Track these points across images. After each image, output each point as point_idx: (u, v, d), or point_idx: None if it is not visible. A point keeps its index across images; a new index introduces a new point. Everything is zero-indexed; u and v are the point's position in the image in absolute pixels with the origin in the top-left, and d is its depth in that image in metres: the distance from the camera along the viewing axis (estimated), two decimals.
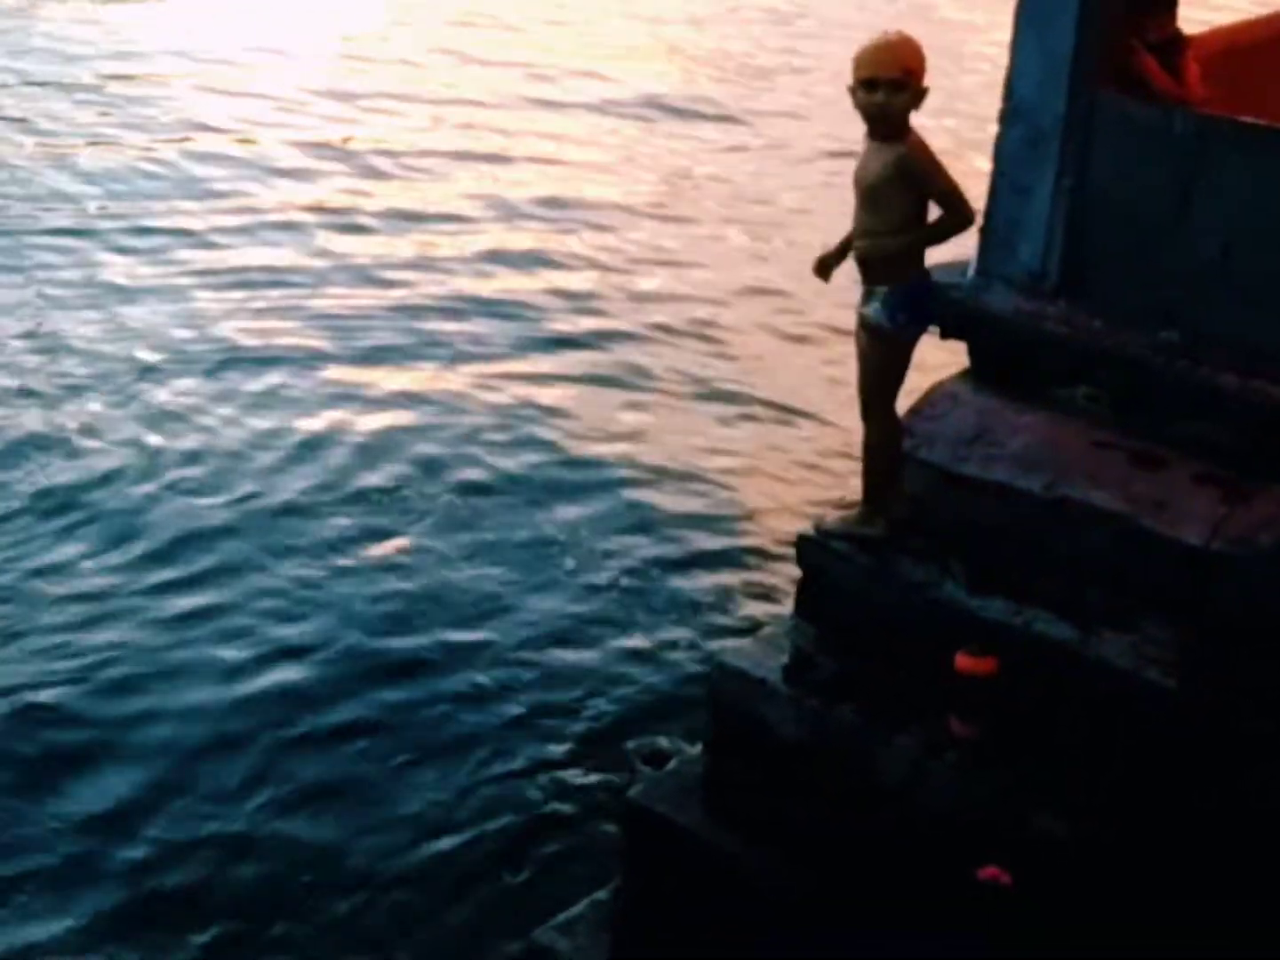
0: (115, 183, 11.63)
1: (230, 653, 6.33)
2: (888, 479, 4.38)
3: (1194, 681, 3.88)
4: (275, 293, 9.93)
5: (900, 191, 4.07)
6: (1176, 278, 4.36)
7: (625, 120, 14.48)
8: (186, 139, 12.78)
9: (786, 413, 8.88)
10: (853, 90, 4.08)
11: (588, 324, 9.91)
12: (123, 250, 10.39)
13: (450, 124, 13.83)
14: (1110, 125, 4.42)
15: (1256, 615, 3.93)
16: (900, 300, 4.14)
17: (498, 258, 10.89)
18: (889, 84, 4.01)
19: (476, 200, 12.01)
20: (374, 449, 8.05)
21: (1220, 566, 4.00)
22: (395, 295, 10.05)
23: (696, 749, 4.75)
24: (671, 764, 4.88)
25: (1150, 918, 3.73)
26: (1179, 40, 5.02)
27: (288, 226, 11.12)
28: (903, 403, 4.39)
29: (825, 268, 4.39)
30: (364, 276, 10.36)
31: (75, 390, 8.38)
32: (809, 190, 12.52)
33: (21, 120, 12.75)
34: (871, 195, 4.13)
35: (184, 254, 10.45)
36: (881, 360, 4.25)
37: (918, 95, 4.05)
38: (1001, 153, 4.62)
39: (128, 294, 9.71)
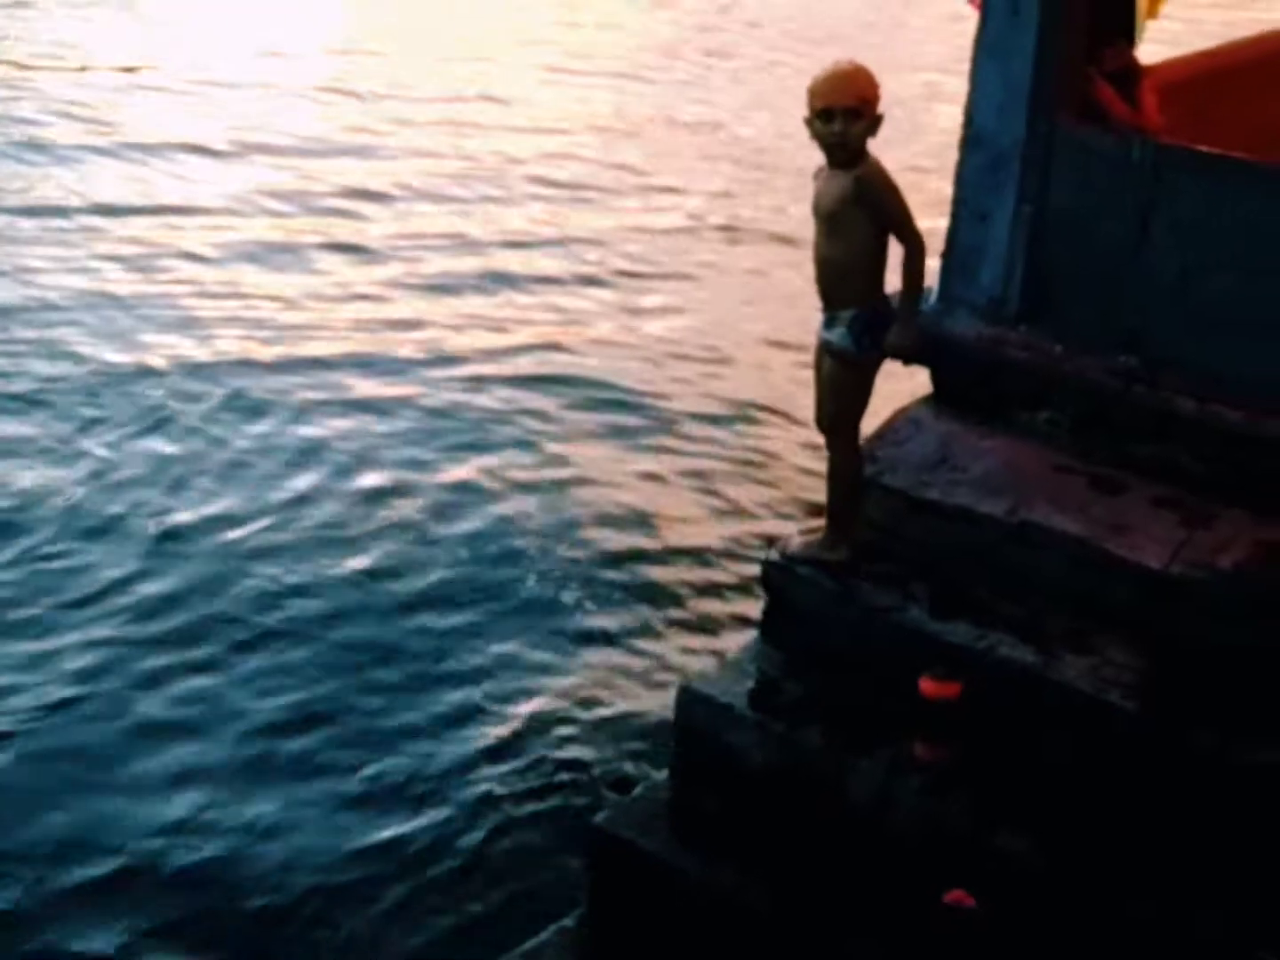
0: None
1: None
2: (852, 504, 4.40)
3: (1154, 704, 3.91)
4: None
5: (858, 217, 4.10)
6: (1135, 303, 4.41)
7: None
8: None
9: (757, 437, 8.91)
10: (809, 121, 4.12)
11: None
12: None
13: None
14: (1069, 153, 4.47)
15: (1216, 637, 3.96)
16: (864, 325, 4.17)
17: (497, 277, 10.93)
18: (845, 113, 4.04)
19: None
20: (353, 450, 8.10)
21: (1180, 590, 4.03)
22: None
23: (662, 775, 4.74)
24: (638, 790, 4.87)
25: (1115, 936, 3.75)
26: (1136, 70, 5.09)
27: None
28: (866, 427, 4.42)
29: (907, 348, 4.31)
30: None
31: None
32: None
33: None
34: (830, 222, 4.16)
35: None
36: (845, 385, 4.27)
37: (874, 123, 4.08)
38: (962, 179, 4.67)
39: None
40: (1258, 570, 4.02)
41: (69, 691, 6.06)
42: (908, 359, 4.35)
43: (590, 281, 11.09)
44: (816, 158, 4.23)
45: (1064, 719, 3.96)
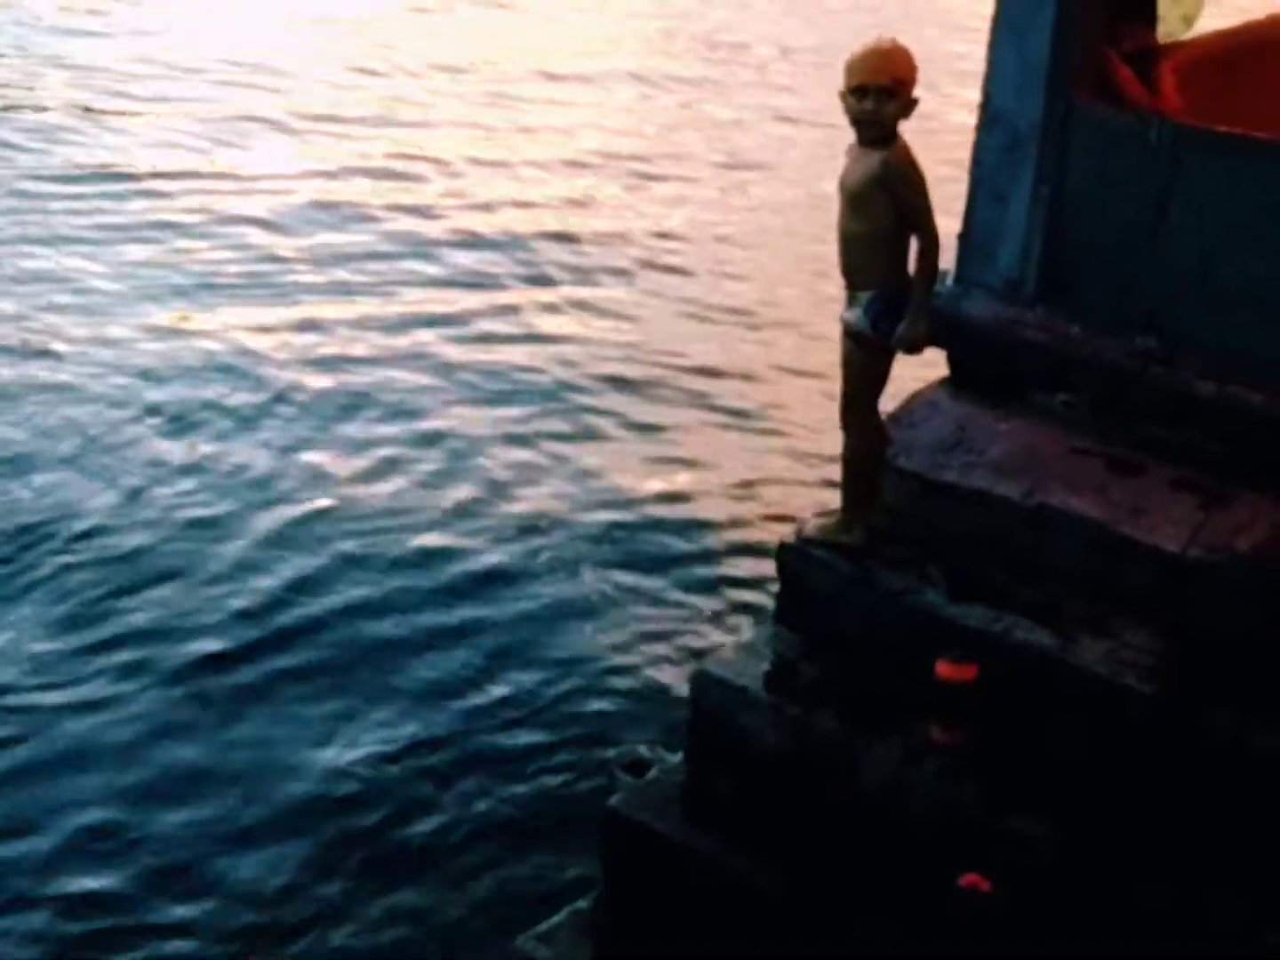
0: None
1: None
2: (867, 486, 4.38)
3: (1171, 687, 3.90)
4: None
5: (881, 198, 4.08)
6: (1154, 284, 4.38)
7: None
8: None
9: (773, 418, 8.89)
10: (843, 96, 4.08)
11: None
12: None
13: None
14: (1087, 133, 4.44)
15: (1233, 620, 3.95)
16: (883, 307, 4.14)
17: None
18: (879, 92, 4.00)
19: None
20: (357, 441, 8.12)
21: (1197, 572, 4.01)
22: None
23: (677, 757, 4.74)
24: (652, 772, 4.88)
25: (1129, 920, 3.74)
26: (1154, 51, 5.04)
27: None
28: (883, 410, 4.40)
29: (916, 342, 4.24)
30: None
31: None
32: None
33: None
34: (854, 201, 4.13)
35: None
36: (862, 367, 4.25)
37: (907, 105, 4.05)
38: (979, 160, 4.64)
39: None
40: (1275, 553, 4.00)
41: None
42: (914, 352, 4.30)
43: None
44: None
45: (1080, 703, 3.94)
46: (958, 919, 3.86)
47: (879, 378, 4.27)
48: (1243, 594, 3.95)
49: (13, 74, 14.04)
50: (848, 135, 4.12)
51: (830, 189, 4.28)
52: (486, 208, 11.96)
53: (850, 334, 4.23)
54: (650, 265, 11.19)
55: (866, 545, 4.37)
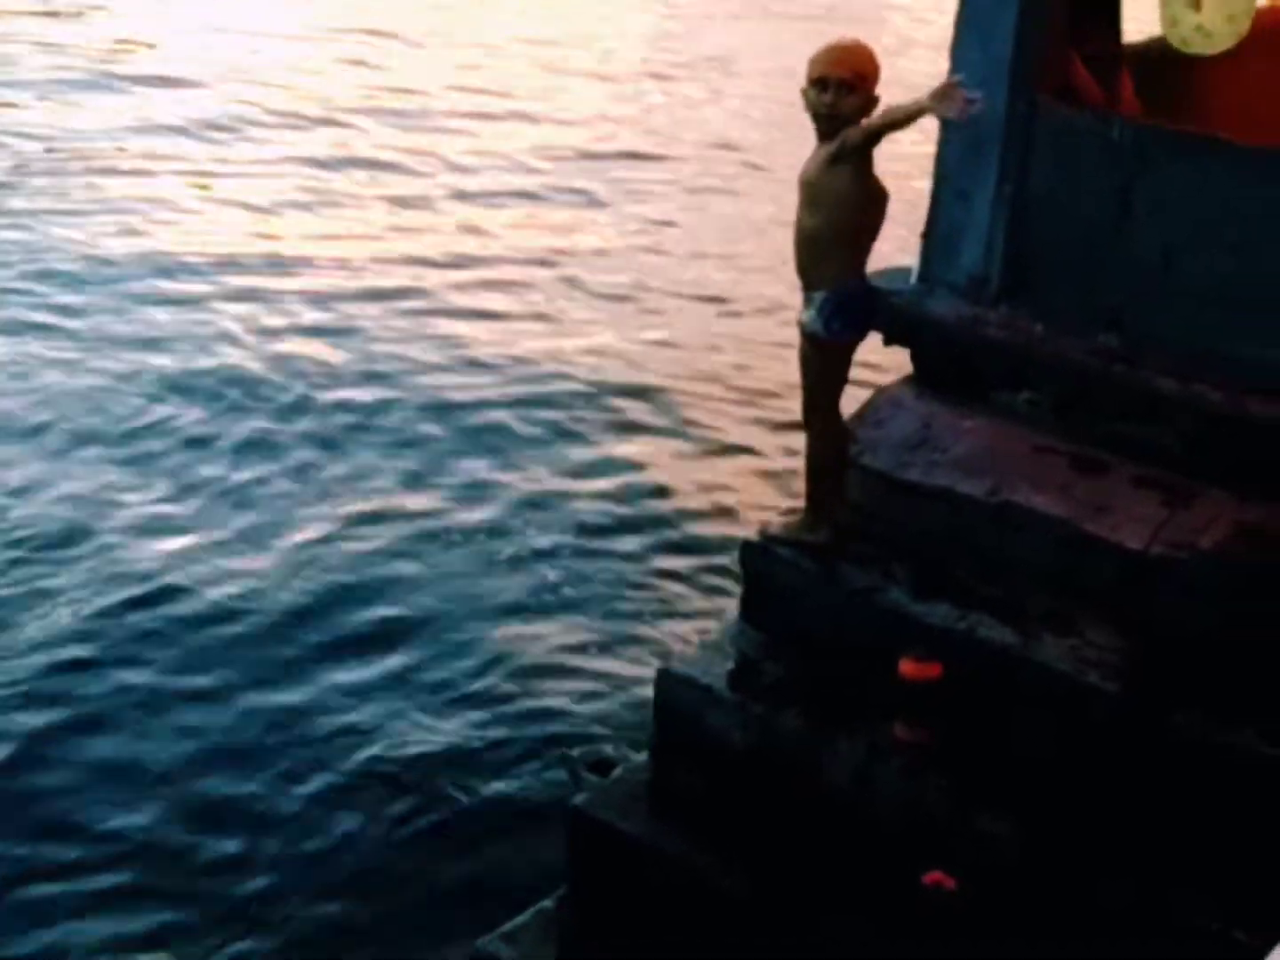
0: None
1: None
2: (830, 485, 4.38)
3: (1135, 685, 3.91)
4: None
5: (836, 184, 4.04)
6: (1116, 282, 4.39)
7: None
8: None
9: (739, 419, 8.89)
10: (804, 91, 4.08)
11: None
12: None
13: None
14: (1050, 131, 4.45)
15: (1196, 618, 3.96)
16: (834, 307, 4.14)
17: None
18: (839, 84, 4.00)
19: None
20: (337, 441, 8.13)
21: (1161, 570, 4.03)
22: None
23: (642, 756, 4.73)
24: (617, 771, 4.86)
25: (1092, 918, 3.75)
26: (1117, 56, 5.06)
27: None
28: (847, 408, 4.40)
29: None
30: None
31: None
32: None
33: None
34: (810, 190, 4.12)
35: None
36: (818, 367, 4.25)
37: (868, 101, 4.04)
38: (943, 158, 4.64)
39: None
40: (1238, 551, 4.02)
41: None
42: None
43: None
44: None
45: (1044, 700, 3.96)
46: (923, 917, 3.87)
47: (837, 377, 4.27)
48: (1205, 592, 3.96)
49: None
50: None
51: None
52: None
53: (805, 334, 4.23)
54: None
55: (831, 543, 4.37)
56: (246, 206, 11.44)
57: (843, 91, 4.00)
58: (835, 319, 4.14)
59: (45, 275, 9.76)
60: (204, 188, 11.69)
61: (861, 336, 4.25)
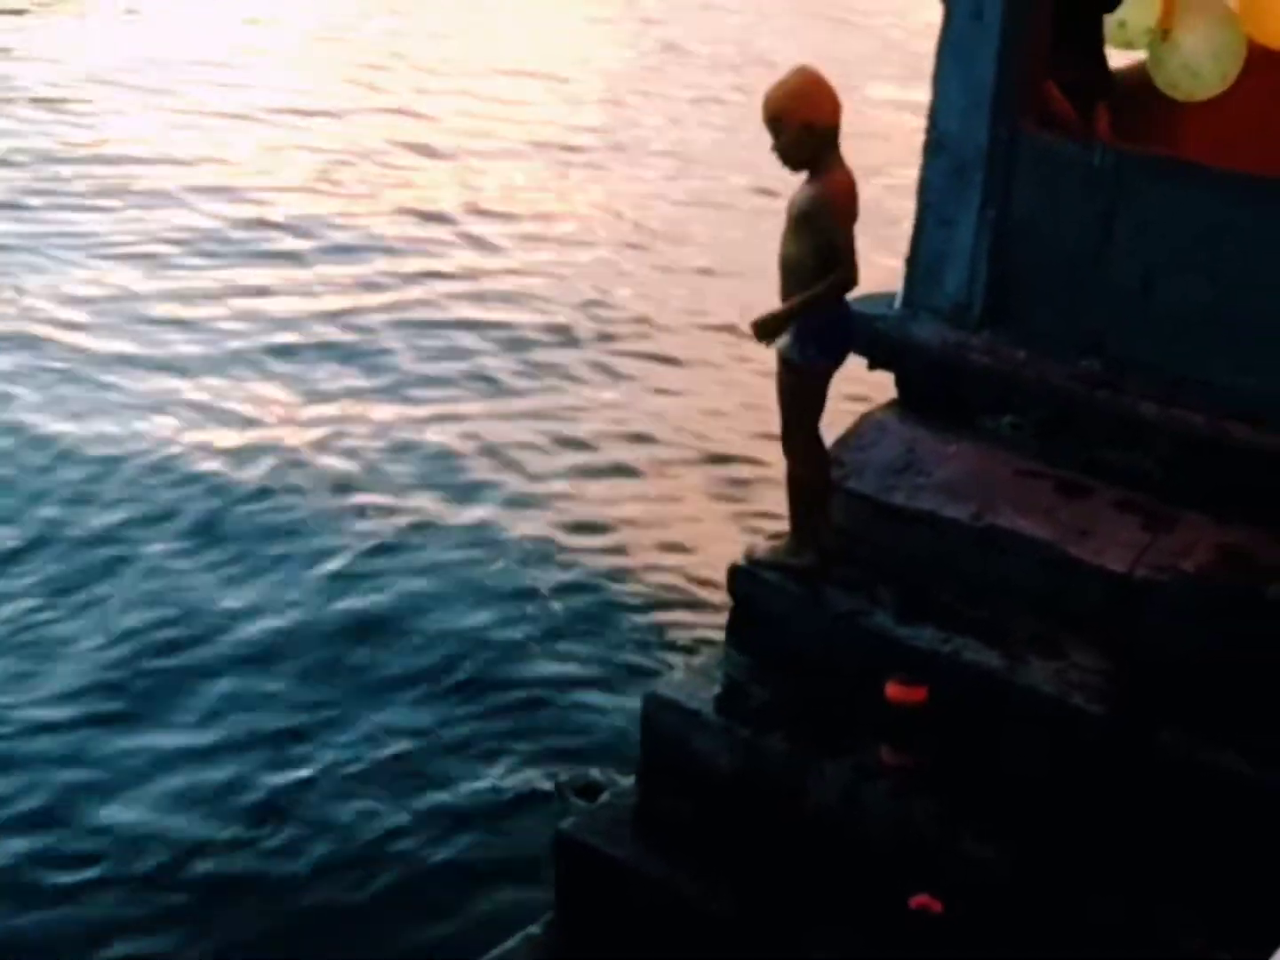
0: None
1: None
2: (813, 509, 4.40)
3: (1120, 707, 3.93)
4: None
5: (810, 226, 4.10)
6: (1098, 307, 4.44)
7: None
8: None
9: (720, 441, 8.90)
10: None
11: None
12: None
13: None
14: (1032, 158, 4.49)
15: (1180, 640, 3.99)
16: (810, 334, 4.17)
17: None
18: (770, 128, 4.09)
19: None
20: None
21: (1144, 593, 4.06)
22: None
23: (629, 781, 4.73)
24: (604, 796, 4.85)
25: (1081, 935, 3.77)
26: (1095, 85, 5.11)
27: None
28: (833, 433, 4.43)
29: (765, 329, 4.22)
30: None
31: None
32: None
33: None
34: (791, 224, 4.17)
35: None
36: (795, 392, 4.28)
37: (796, 140, 4.06)
38: (926, 184, 4.69)
39: None
40: (1219, 574, 4.05)
41: None
42: (760, 338, 4.23)
43: None
44: None
45: (1030, 723, 3.98)
46: (911, 939, 3.88)
47: (815, 402, 4.29)
48: (1188, 614, 3.99)
49: None
50: None
51: None
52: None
53: (783, 359, 4.25)
54: None
55: (816, 567, 4.39)
56: None
57: (774, 134, 4.09)
58: (810, 344, 4.17)
59: None
60: None
61: (838, 363, 4.28)
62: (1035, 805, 3.94)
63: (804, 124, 4.04)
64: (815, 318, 4.15)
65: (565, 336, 10.02)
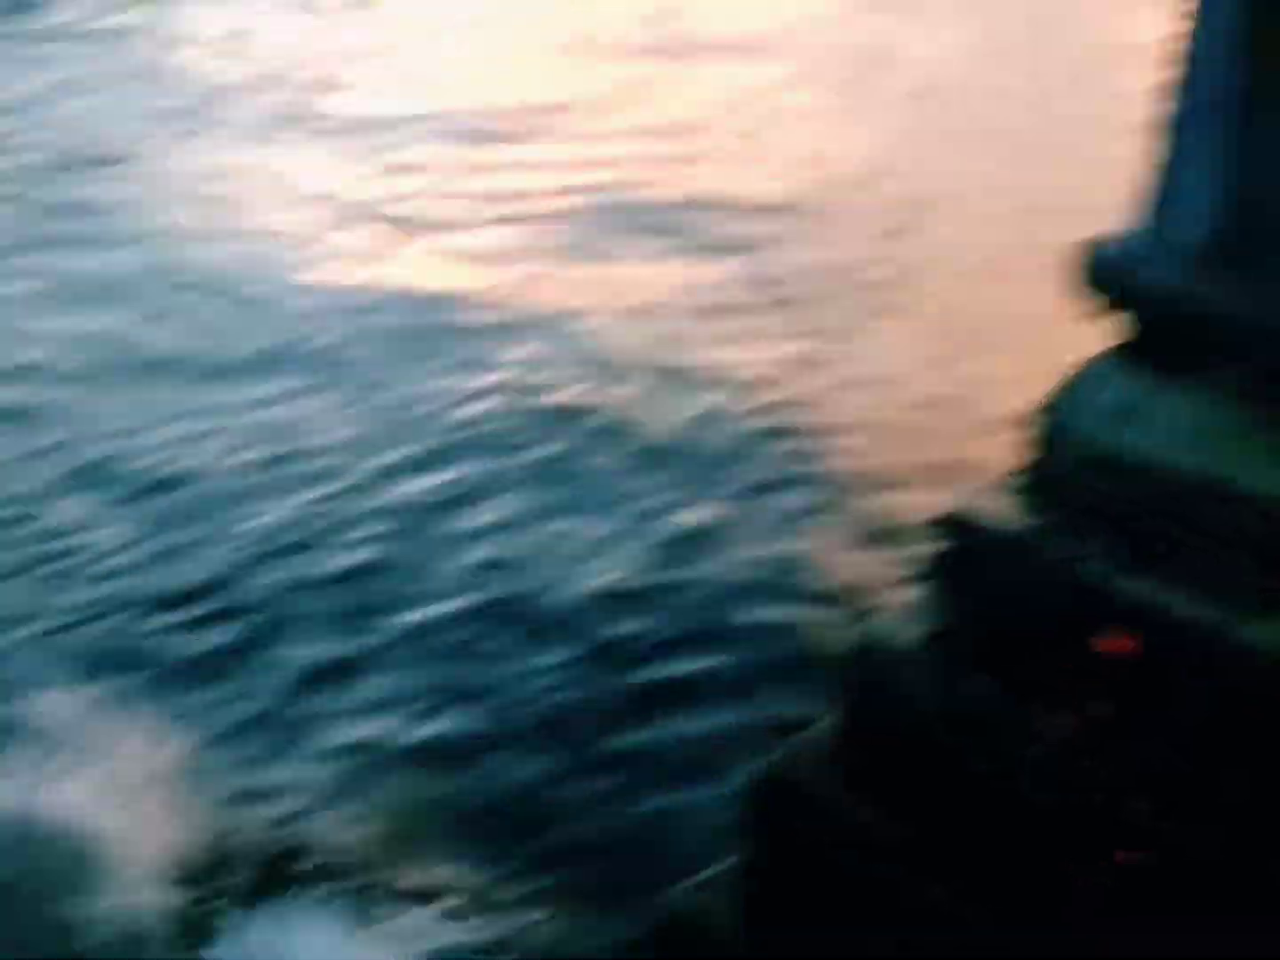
0: None
1: None
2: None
3: None
4: None
5: None
6: None
7: None
8: None
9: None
10: None
11: None
12: None
13: None
14: (1277, 95, 4.28)
15: None
16: None
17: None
18: None
19: None
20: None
21: None
22: None
23: (833, 717, 4.73)
24: (807, 732, 4.87)
25: None
26: None
27: None
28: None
29: None
30: None
31: None
32: None
33: None
34: None
35: None
36: None
37: None
38: (1166, 122, 4.51)
39: None
40: None
41: None
42: None
43: None
44: None
45: (1246, 682, 3.85)
46: (1109, 890, 3.81)
47: None
48: None
49: None
50: None
51: None
52: None
53: None
54: None
55: (1031, 512, 4.30)
56: None
57: None
58: None
59: None
60: None
61: None
62: (1245, 769, 3.82)
63: None
64: None
65: None
